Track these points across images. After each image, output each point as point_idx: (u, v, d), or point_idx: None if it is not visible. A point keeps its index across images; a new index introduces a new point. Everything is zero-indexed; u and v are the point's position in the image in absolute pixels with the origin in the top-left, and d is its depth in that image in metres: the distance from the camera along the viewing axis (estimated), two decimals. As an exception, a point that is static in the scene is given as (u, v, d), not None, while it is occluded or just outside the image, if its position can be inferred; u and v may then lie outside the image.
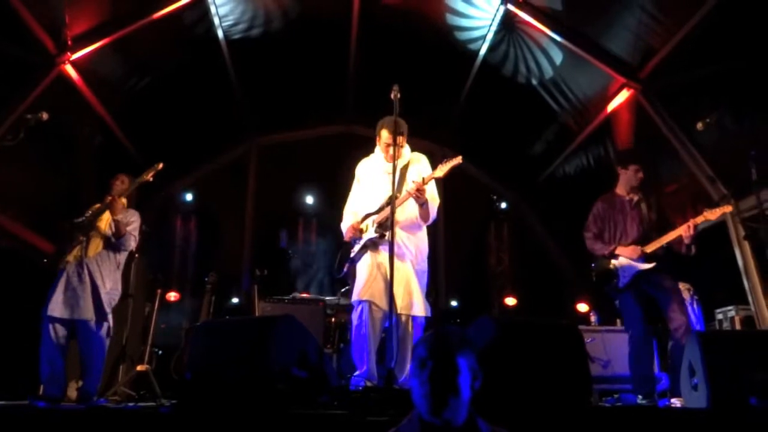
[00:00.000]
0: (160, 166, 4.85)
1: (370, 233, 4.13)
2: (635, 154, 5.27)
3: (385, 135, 4.18)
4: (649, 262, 4.46)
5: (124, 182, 5.05)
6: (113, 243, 4.86)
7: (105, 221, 4.83)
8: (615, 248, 4.61)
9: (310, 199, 8.63)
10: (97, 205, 4.97)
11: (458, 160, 3.97)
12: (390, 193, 3.83)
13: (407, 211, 4.12)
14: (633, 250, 4.51)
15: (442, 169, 3.99)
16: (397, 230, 4.03)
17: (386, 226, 3.95)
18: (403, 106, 3.84)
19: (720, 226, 5.62)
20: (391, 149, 4.03)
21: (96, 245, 4.80)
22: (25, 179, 5.79)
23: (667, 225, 4.52)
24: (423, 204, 4.03)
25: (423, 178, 4.00)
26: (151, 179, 4.86)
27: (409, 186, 4.07)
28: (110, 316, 4.76)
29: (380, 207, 4.13)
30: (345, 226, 4.37)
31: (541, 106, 7.13)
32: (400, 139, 4.06)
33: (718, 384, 3.07)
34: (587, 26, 5.99)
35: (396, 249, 3.98)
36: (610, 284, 4.61)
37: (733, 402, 3.01)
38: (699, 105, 5.47)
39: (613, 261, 4.60)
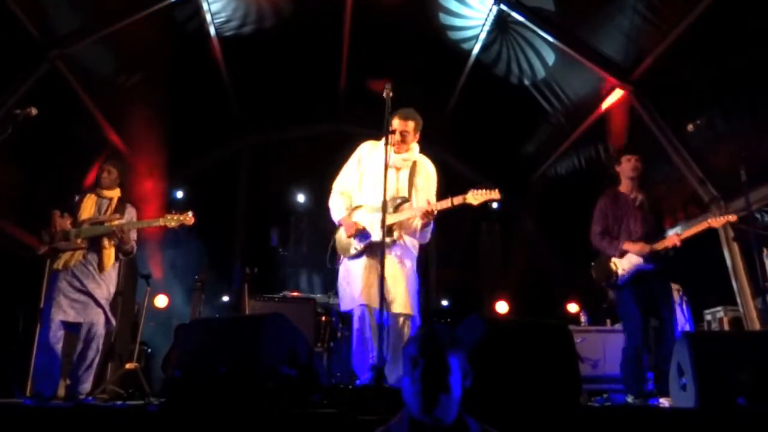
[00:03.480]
0: (191, 220, 4.79)
1: (376, 234, 3.97)
2: (628, 146, 5.26)
3: (395, 123, 4.08)
4: (650, 262, 4.46)
5: (111, 173, 4.94)
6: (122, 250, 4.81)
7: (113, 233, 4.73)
8: (623, 244, 4.56)
9: (301, 198, 8.60)
10: (97, 217, 4.80)
11: (496, 194, 3.87)
12: (394, 193, 3.91)
13: (414, 219, 4.07)
14: (642, 247, 4.48)
15: (476, 198, 3.88)
16: (404, 235, 4.07)
17: (393, 231, 3.92)
18: (395, 104, 3.84)
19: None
20: (397, 135, 4.04)
21: (108, 257, 4.72)
22: (14, 175, 5.73)
23: (659, 227, 4.54)
24: (428, 224, 4.02)
25: (452, 200, 3.91)
26: (175, 227, 4.78)
27: (418, 191, 4.10)
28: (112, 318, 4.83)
29: (385, 207, 3.83)
30: (337, 207, 4.25)
31: (534, 106, 7.14)
32: (410, 133, 4.05)
33: (706, 384, 3.10)
34: (580, 27, 6.00)
35: (401, 252, 3.99)
36: (609, 281, 4.61)
37: (721, 402, 3.03)
38: (690, 107, 5.50)
39: (614, 259, 4.59)
